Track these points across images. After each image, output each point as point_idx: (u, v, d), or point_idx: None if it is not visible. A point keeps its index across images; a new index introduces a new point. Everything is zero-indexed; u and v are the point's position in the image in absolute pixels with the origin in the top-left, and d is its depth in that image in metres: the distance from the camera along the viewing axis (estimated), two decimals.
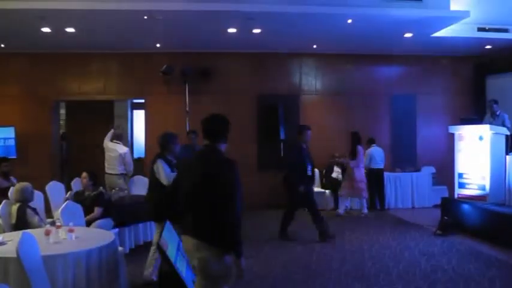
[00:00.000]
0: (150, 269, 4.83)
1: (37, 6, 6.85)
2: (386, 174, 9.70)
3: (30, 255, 3.27)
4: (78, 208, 5.27)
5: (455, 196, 7.72)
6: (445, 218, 7.36)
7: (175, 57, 9.69)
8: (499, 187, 7.11)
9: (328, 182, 9.69)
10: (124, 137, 9.00)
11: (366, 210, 8.98)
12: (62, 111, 11.12)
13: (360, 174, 8.82)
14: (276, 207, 9.36)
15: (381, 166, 9.51)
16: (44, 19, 7.32)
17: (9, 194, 5.65)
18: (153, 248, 4.85)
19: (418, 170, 10.10)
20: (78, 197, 5.83)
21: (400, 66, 10.78)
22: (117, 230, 5.64)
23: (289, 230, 7.00)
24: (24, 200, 4.92)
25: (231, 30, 8.31)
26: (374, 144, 9.58)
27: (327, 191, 9.60)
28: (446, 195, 9.05)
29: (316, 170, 9.13)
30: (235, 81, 10.05)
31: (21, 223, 4.73)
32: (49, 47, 9.25)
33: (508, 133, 7.42)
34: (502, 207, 6.90)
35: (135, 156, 10.86)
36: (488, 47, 9.74)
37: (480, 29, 8.73)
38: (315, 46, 9.75)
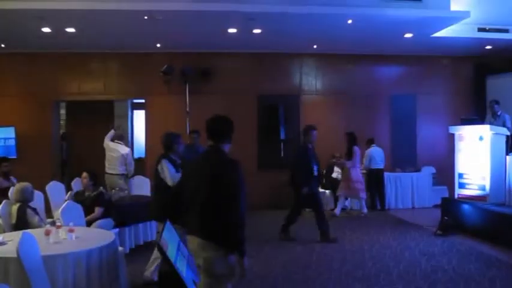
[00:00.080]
0: (151, 269, 4.82)
1: (37, 6, 6.85)
2: (386, 174, 9.70)
3: (30, 255, 3.27)
4: (78, 208, 5.27)
5: (456, 196, 7.72)
6: (445, 218, 7.36)
7: (175, 57, 9.69)
8: (499, 187, 7.10)
9: (328, 182, 9.69)
10: (125, 137, 9.00)
11: (365, 210, 8.97)
12: (62, 111, 11.12)
13: (356, 174, 8.82)
14: (276, 207, 9.38)
15: (381, 166, 9.51)
16: (44, 19, 7.32)
17: (9, 194, 5.65)
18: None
19: (418, 170, 10.10)
20: (78, 197, 5.83)
21: (400, 66, 10.78)
22: (117, 230, 5.63)
23: (289, 230, 6.99)
24: (24, 200, 4.91)
25: (231, 30, 8.31)
26: (374, 145, 9.58)
27: (327, 191, 9.60)
28: (447, 195, 9.05)
29: None
30: (235, 81, 10.05)
31: (21, 223, 4.73)
32: (49, 47, 9.25)
33: (508, 133, 7.42)
34: (502, 207, 6.90)
35: (136, 156, 10.85)
36: (488, 47, 9.74)
37: (480, 29, 8.73)
38: (315, 46, 9.76)
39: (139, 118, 11.50)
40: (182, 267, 3.31)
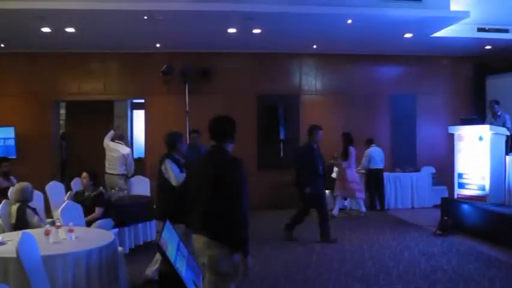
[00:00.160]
0: (153, 268, 4.82)
1: (37, 6, 6.84)
2: (386, 174, 9.70)
3: (30, 255, 3.27)
4: (78, 208, 5.27)
5: (455, 196, 7.72)
6: (445, 218, 7.36)
7: (175, 57, 9.69)
8: (499, 187, 7.11)
9: (328, 182, 9.68)
10: (125, 137, 9.00)
11: (363, 209, 8.98)
12: (62, 111, 11.12)
13: (352, 174, 8.82)
14: (275, 207, 9.40)
15: (381, 166, 9.50)
16: (44, 19, 7.31)
17: (8, 194, 5.66)
18: None
19: (418, 170, 10.10)
20: (78, 197, 5.83)
21: (400, 66, 10.78)
22: (117, 230, 5.64)
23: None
24: (24, 200, 4.92)
25: (231, 30, 8.31)
26: (373, 145, 9.58)
27: (327, 191, 9.58)
28: (446, 195, 9.05)
29: None
30: (235, 81, 10.05)
31: (21, 223, 4.73)
32: (49, 47, 9.25)
33: (508, 133, 7.42)
34: (501, 207, 6.90)
35: (135, 156, 10.85)
36: (488, 47, 9.74)
37: (480, 29, 8.73)
38: (314, 46, 9.76)
39: (139, 118, 11.50)
40: (182, 267, 3.32)
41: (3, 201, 5.13)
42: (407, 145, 10.59)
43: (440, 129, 9.97)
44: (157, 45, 9.33)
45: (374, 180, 9.52)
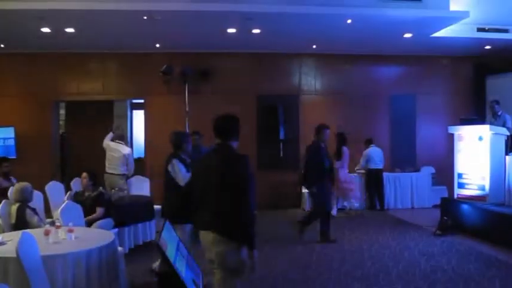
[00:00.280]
0: (158, 263, 4.81)
1: (36, 6, 6.84)
2: (385, 174, 9.70)
3: (29, 255, 3.26)
4: (78, 208, 5.26)
5: (455, 196, 7.72)
6: (445, 218, 7.36)
7: (174, 58, 9.69)
8: (499, 187, 7.10)
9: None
10: (125, 137, 8.99)
11: (356, 205, 9.08)
12: (62, 111, 11.12)
13: (344, 174, 8.83)
14: (275, 207, 9.40)
15: (380, 166, 9.51)
16: (44, 19, 7.32)
17: (8, 194, 5.65)
18: None
19: (417, 170, 10.10)
20: (78, 198, 5.82)
21: (400, 66, 10.78)
22: (116, 230, 5.63)
23: (289, 231, 6.98)
24: (24, 200, 4.91)
25: (231, 30, 8.31)
26: (372, 145, 9.58)
27: None
28: (446, 195, 9.05)
29: None
30: (234, 81, 10.05)
31: (21, 223, 4.73)
32: (49, 47, 9.25)
33: (508, 133, 7.41)
34: (501, 207, 6.90)
35: (135, 156, 10.84)
36: (487, 47, 9.74)
37: (480, 29, 8.73)
38: (314, 46, 9.76)
39: (138, 118, 11.50)
40: (181, 267, 3.32)
41: (3, 201, 5.13)
42: (407, 145, 10.59)
43: (440, 129, 9.97)
44: (157, 45, 9.33)
45: (374, 181, 9.52)
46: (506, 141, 7.37)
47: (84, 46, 9.25)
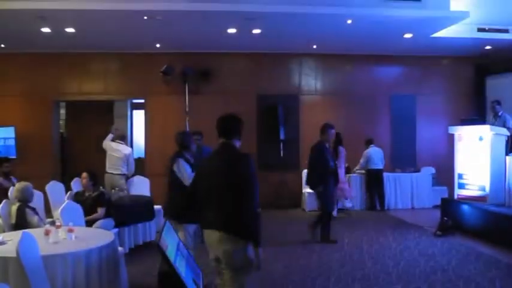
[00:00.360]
0: None
1: (37, 6, 6.85)
2: (386, 174, 9.70)
3: (29, 255, 3.26)
4: (78, 208, 5.26)
5: (455, 197, 7.72)
6: (445, 218, 7.36)
7: (175, 58, 9.70)
8: (499, 188, 7.10)
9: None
10: (125, 137, 8.98)
11: (349, 205, 9.11)
12: (62, 111, 11.12)
13: (341, 174, 8.80)
14: (275, 207, 9.40)
15: (380, 167, 9.51)
16: (44, 19, 7.32)
17: (9, 193, 5.65)
18: None
19: (417, 170, 10.10)
20: (78, 198, 5.82)
21: (400, 67, 10.78)
22: (117, 230, 5.64)
23: (289, 231, 6.96)
24: (24, 200, 4.92)
25: (231, 30, 8.31)
26: (372, 145, 9.58)
27: None
28: (446, 195, 9.04)
29: None
30: (235, 82, 10.06)
31: (21, 223, 4.73)
32: (49, 47, 9.25)
33: (509, 134, 7.41)
34: (501, 208, 6.89)
35: (135, 156, 10.84)
36: (488, 47, 9.74)
37: (480, 30, 8.73)
38: (314, 46, 9.76)
39: (139, 118, 11.49)
40: (182, 267, 3.32)
41: (4, 201, 5.14)
42: (407, 145, 10.59)
43: (441, 129, 9.98)
44: (157, 45, 9.34)
45: (374, 181, 9.52)
46: (507, 142, 7.37)
47: (84, 46, 9.25)
